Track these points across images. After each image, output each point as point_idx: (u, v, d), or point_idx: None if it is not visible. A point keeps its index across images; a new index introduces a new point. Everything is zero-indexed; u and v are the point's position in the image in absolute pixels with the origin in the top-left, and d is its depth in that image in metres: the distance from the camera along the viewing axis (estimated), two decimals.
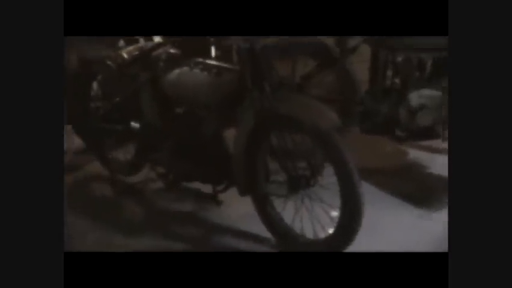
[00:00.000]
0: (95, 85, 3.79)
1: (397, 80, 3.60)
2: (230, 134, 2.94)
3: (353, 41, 3.66)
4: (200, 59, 3.09)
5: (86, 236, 3.10)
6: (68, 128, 4.14)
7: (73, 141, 4.16)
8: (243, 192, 2.89)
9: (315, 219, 2.76)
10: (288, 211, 2.83)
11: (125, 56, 3.36)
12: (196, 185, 3.18)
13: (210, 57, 3.74)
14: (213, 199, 3.09)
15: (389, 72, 3.63)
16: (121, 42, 4.19)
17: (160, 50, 3.30)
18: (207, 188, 3.12)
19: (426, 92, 3.42)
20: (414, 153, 3.85)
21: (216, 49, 4.70)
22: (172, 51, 3.30)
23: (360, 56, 3.70)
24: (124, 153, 3.61)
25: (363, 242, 2.66)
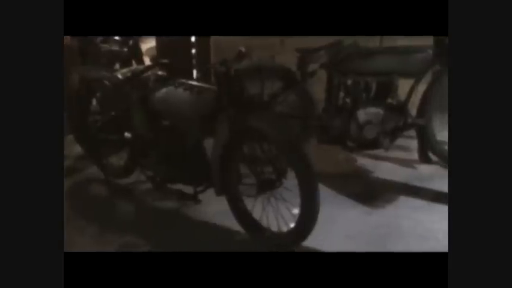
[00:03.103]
0: (94, 101, 3.73)
1: (348, 100, 3.62)
2: (208, 144, 2.90)
3: (312, 66, 3.67)
4: (183, 80, 3.06)
5: (85, 230, 3.03)
6: (70, 137, 4.07)
7: (74, 148, 4.10)
8: (218, 193, 2.87)
9: (279, 215, 2.75)
10: (257, 209, 2.81)
11: (119, 77, 3.32)
12: (179, 186, 3.14)
13: (192, 79, 3.71)
14: (194, 198, 3.04)
15: (341, 93, 3.65)
16: (116, 65, 4.15)
17: (150, 72, 3.26)
18: (188, 189, 3.08)
19: (372, 110, 3.44)
20: (362, 160, 3.86)
21: (197, 71, 4.68)
22: (159, 73, 3.26)
23: (317, 79, 3.70)
24: (118, 159, 3.55)
25: (320, 234, 2.65)
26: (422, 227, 2.87)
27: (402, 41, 3.56)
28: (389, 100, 3.48)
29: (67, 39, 4.20)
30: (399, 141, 3.66)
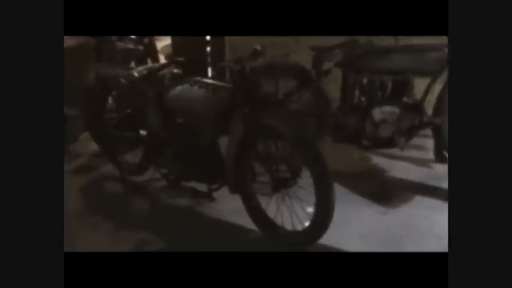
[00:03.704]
0: (109, 99, 3.75)
1: (363, 98, 3.60)
2: (223, 142, 2.90)
3: (327, 64, 3.66)
4: (199, 78, 3.07)
5: (100, 227, 3.04)
6: (85, 134, 4.11)
7: (89, 146, 4.13)
8: (233, 191, 2.86)
9: (293, 214, 2.73)
10: (271, 207, 2.80)
11: (135, 74, 3.33)
12: (194, 184, 3.14)
13: (207, 77, 3.72)
14: (208, 196, 3.05)
15: (356, 92, 3.63)
16: (132, 63, 4.17)
17: (165, 70, 3.27)
18: (202, 187, 3.08)
19: (387, 108, 3.41)
20: (377, 160, 3.83)
21: (212, 69, 4.69)
22: (175, 71, 3.27)
23: (332, 77, 3.69)
24: (133, 157, 3.57)
25: (334, 234, 2.63)
26: (439, 227, 2.83)
27: (417, 40, 3.53)
28: (405, 99, 3.45)
29: (83, 38, 4.24)
30: (415, 141, 3.63)
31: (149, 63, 4.20)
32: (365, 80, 3.57)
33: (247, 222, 2.90)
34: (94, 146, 4.00)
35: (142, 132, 3.42)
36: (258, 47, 2.79)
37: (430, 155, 3.64)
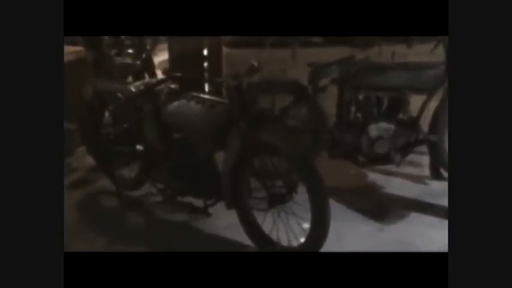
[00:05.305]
0: (106, 113, 3.77)
1: (359, 115, 3.62)
2: (219, 157, 2.91)
3: (323, 81, 3.68)
4: (195, 93, 3.09)
5: (95, 242, 3.04)
6: (82, 149, 4.11)
7: (86, 160, 4.13)
8: (229, 206, 2.87)
9: (289, 230, 2.74)
10: (267, 222, 2.81)
11: (132, 89, 3.35)
12: (190, 199, 3.14)
13: (204, 92, 3.74)
14: (204, 211, 3.05)
15: (353, 108, 3.65)
16: (129, 78, 4.19)
17: (162, 85, 3.29)
18: (198, 202, 3.08)
19: (383, 125, 3.44)
20: (373, 176, 3.85)
21: (209, 85, 4.72)
22: (172, 86, 3.29)
23: (329, 94, 3.71)
24: (129, 171, 3.57)
25: (330, 250, 2.63)
26: (435, 244, 2.84)
27: (414, 58, 3.57)
28: (401, 116, 3.47)
29: (81, 52, 4.26)
30: (411, 157, 3.65)
31: (147, 79, 4.22)
32: (361, 97, 3.60)
33: (243, 238, 2.91)
34: (90, 161, 4.00)
35: (139, 147, 3.42)
36: (255, 63, 2.82)
37: (426, 171, 3.66)
